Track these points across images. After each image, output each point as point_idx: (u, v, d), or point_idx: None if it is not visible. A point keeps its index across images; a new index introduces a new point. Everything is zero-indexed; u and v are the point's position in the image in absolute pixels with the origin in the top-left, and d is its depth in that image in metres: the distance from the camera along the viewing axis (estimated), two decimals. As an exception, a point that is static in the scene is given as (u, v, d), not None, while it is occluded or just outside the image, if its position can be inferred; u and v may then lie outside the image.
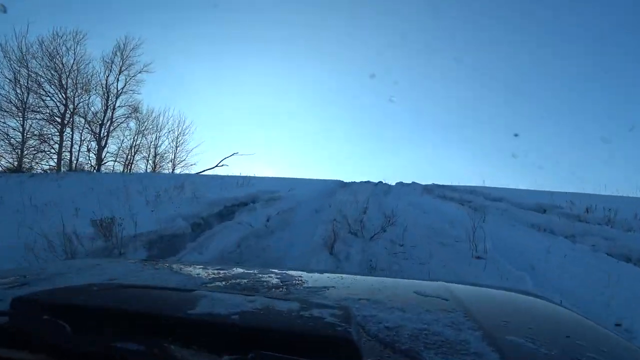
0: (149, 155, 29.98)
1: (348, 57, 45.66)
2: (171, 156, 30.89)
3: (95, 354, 0.61)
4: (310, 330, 0.64)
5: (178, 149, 31.09)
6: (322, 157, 46.29)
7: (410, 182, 19.63)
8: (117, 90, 27.07)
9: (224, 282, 1.18)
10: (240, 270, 1.35)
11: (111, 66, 26.90)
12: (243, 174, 19.20)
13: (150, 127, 29.93)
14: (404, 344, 0.75)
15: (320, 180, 18.29)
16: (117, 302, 0.74)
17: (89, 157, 27.11)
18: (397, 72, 43.15)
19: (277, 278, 1.23)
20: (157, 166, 30.39)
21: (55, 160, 25.09)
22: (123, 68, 26.87)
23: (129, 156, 29.25)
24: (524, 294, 1.46)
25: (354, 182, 19.67)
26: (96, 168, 26.57)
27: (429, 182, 18.40)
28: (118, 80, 26.89)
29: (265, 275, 1.26)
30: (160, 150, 30.55)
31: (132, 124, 28.95)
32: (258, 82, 47.50)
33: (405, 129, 47.32)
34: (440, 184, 18.07)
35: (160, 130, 30.05)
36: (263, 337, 0.61)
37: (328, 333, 0.62)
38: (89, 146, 26.98)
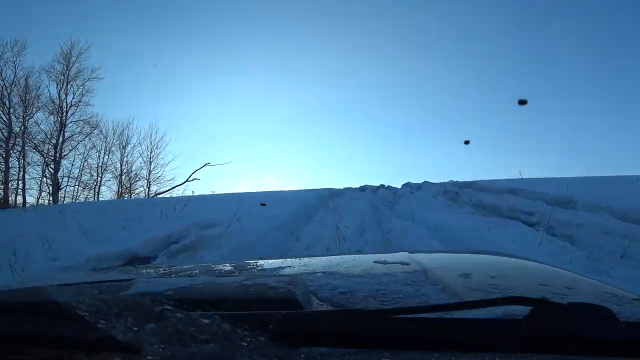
0: (119, 175, 26.01)
1: (338, 52, 41.08)
2: (145, 173, 27.03)
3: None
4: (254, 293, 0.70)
5: (152, 164, 27.22)
6: (312, 163, 41.59)
7: (420, 181, 15.21)
8: (67, 104, 23.09)
9: (182, 274, 1.13)
10: (187, 265, 1.34)
11: (63, 76, 23.02)
12: (216, 191, 15.23)
13: (117, 142, 26.11)
14: (358, 304, 0.74)
15: (304, 191, 14.06)
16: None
17: (42, 184, 23.21)
18: (386, 68, 38.70)
19: (231, 266, 1.23)
20: (126, 188, 26.42)
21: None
22: (70, 78, 22.98)
23: (96, 178, 25.34)
24: (491, 254, 1.44)
25: (349, 188, 15.48)
26: (51, 198, 22.67)
27: (444, 180, 14.18)
28: (66, 92, 22.97)
29: (217, 265, 1.27)
30: (131, 167, 26.66)
31: (95, 140, 25.19)
32: (235, 83, 42.91)
33: (398, 124, 42.00)
34: (459, 181, 13.71)
35: (126, 146, 26.13)
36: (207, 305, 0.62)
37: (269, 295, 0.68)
38: (45, 171, 23.04)
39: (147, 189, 26.79)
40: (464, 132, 35.31)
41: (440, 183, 13.98)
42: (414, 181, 15.38)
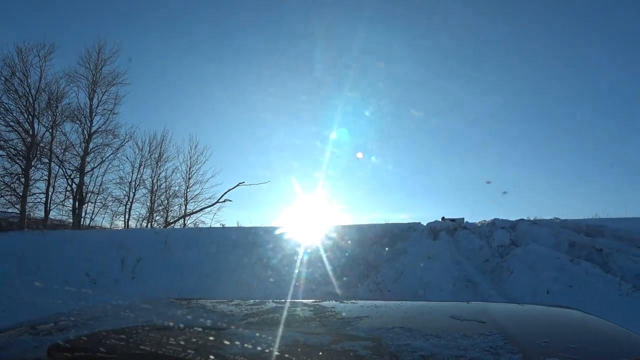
0: (151, 192, 23.82)
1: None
2: (183, 190, 24.77)
3: None
4: None
5: (190, 180, 24.96)
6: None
7: (510, 219, 11.33)
8: (93, 112, 21.16)
9: (256, 318, 1.17)
10: (273, 304, 1.36)
11: (88, 81, 21.18)
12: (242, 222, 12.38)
13: (152, 155, 24.03)
14: None
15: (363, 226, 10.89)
16: (148, 345, 0.75)
17: (65, 199, 21.28)
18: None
19: (310, 310, 1.24)
20: (163, 206, 24.17)
21: (19, 207, 19.34)
22: (98, 84, 21.05)
23: (128, 193, 23.24)
24: (559, 307, 1.44)
25: (412, 226, 11.48)
26: (73, 219, 20.65)
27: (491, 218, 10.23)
28: (91, 99, 21.04)
29: (297, 309, 1.29)
30: (170, 183, 24.46)
31: (128, 152, 23.23)
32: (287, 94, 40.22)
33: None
34: (571, 220, 10.12)
35: (160, 159, 23.94)
36: None
37: None
38: (69, 186, 21.11)
39: (184, 207, 24.60)
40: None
41: (547, 222, 10.37)
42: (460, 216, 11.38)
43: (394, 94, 34.12)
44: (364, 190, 34.00)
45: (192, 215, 23.61)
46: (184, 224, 23.42)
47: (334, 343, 0.77)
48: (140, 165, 23.28)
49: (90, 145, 21.01)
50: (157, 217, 23.95)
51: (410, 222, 11.76)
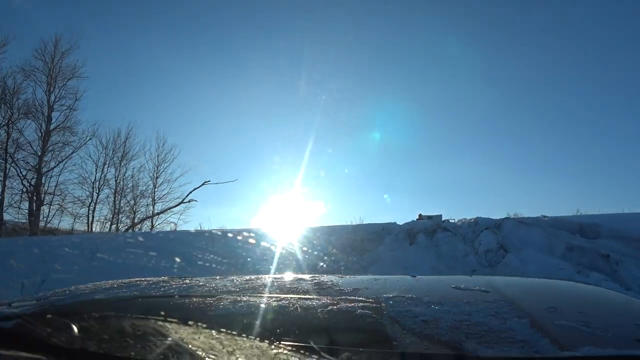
0: (114, 192, 22.33)
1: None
2: (150, 190, 23.27)
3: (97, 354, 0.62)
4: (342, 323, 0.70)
5: (158, 179, 23.48)
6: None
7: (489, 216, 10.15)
8: (51, 107, 19.65)
9: (252, 288, 1.16)
10: (269, 279, 1.35)
11: (48, 78, 19.69)
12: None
13: (117, 154, 22.54)
14: (443, 335, 0.70)
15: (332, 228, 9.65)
16: (141, 310, 0.80)
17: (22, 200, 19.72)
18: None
19: (309, 283, 1.22)
20: (130, 207, 22.68)
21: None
22: (54, 78, 19.52)
23: (89, 202, 21.70)
24: (567, 280, 1.43)
25: (387, 226, 10.37)
26: (29, 222, 19.09)
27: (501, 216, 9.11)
28: (49, 93, 19.54)
29: (296, 281, 1.27)
30: (135, 182, 22.98)
31: (92, 150, 21.73)
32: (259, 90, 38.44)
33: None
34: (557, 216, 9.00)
35: (125, 156, 22.46)
36: (287, 331, 0.66)
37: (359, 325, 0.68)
38: (25, 187, 19.58)
39: (152, 207, 23.12)
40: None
41: (534, 221, 9.17)
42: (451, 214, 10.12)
43: (362, 92, 33.40)
44: (339, 190, 33.09)
45: (159, 217, 22.23)
46: (152, 226, 22.09)
47: (332, 305, 0.79)
48: (104, 164, 21.84)
49: (49, 144, 19.53)
50: (124, 219, 22.53)
51: (385, 222, 10.51)
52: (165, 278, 1.42)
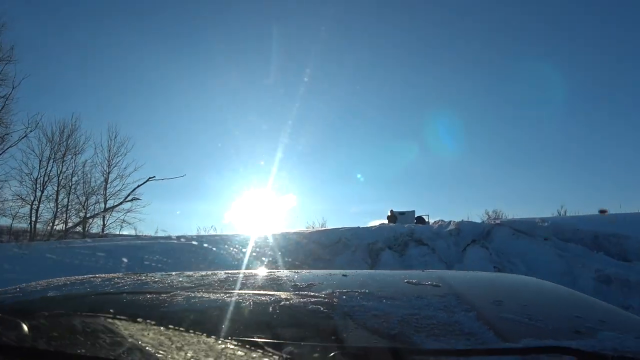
0: (57, 193, 19.92)
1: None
2: (102, 185, 20.90)
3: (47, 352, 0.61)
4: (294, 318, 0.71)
5: (110, 175, 21.10)
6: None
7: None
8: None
9: (207, 284, 1.16)
10: (224, 275, 1.34)
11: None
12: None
13: (60, 148, 20.12)
14: (393, 329, 0.73)
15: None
16: (95, 308, 0.78)
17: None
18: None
19: (265, 279, 1.27)
20: (80, 204, 20.30)
21: None
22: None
23: (31, 200, 19.27)
24: (516, 275, 1.44)
25: (345, 231, 8.07)
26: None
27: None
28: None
29: (251, 277, 1.27)
30: (84, 178, 20.61)
31: (34, 143, 19.34)
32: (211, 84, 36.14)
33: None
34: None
35: (68, 150, 20.08)
36: (236, 327, 0.67)
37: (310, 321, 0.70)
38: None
39: (104, 205, 20.75)
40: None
41: (529, 226, 7.06)
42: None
43: (345, 89, 31.75)
44: (308, 189, 31.31)
45: (111, 216, 19.96)
46: (104, 224, 19.87)
47: (285, 300, 0.80)
48: (49, 158, 19.43)
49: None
50: (73, 217, 20.16)
51: (346, 227, 8.30)
52: (120, 275, 1.38)
